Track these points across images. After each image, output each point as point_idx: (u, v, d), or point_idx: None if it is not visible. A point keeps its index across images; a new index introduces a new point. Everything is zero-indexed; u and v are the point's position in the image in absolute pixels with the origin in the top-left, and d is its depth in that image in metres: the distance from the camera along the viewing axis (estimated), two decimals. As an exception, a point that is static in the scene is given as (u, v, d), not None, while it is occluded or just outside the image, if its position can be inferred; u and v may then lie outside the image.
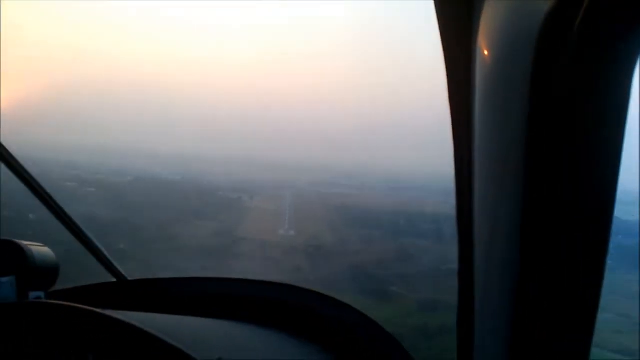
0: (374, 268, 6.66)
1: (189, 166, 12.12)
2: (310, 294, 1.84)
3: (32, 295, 1.62)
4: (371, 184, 11.33)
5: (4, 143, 1.77)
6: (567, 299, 0.78)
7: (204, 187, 10.39)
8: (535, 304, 0.79)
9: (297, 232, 8.70)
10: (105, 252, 2.09)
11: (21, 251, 1.64)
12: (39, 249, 1.69)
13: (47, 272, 1.69)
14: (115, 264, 2.08)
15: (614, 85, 0.66)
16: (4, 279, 1.52)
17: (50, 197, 1.93)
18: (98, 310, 1.36)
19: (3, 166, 1.82)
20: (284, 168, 12.13)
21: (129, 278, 2.06)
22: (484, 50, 0.77)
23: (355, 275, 6.22)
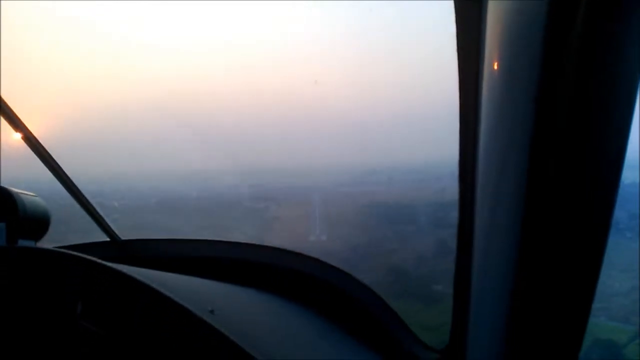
0: (414, 267, 6.12)
1: (214, 182, 11.90)
2: (300, 257, 1.82)
3: (22, 243, 1.56)
4: (398, 177, 10.85)
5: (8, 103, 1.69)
6: (562, 294, 0.81)
7: (230, 201, 10.08)
8: (530, 298, 0.82)
9: (328, 236, 8.21)
10: (100, 212, 2.06)
11: (12, 199, 1.57)
12: (31, 199, 1.62)
13: (37, 222, 1.62)
14: (110, 224, 2.06)
15: (619, 84, 0.67)
16: None
17: (49, 154, 1.90)
18: (88, 257, 1.28)
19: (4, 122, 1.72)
20: (308, 172, 11.78)
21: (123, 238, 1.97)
22: (493, 47, 0.79)
23: (396, 277, 5.70)
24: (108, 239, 2.09)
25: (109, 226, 2.10)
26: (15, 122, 1.85)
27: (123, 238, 2.15)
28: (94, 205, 2.09)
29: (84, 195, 2.07)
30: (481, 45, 0.84)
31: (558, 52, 0.68)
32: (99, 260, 1.32)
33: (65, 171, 2.04)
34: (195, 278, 1.72)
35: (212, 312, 1.31)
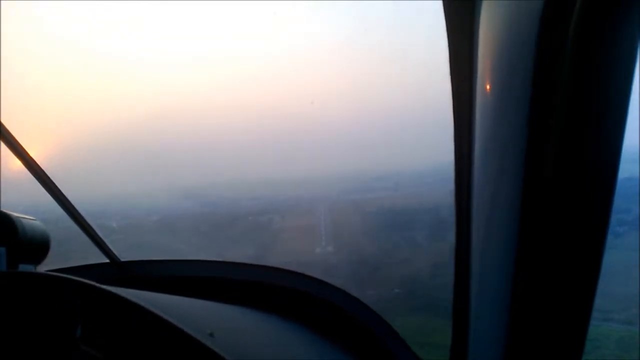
0: (430, 276, 5.53)
1: (218, 196, 11.53)
2: (299, 277, 1.80)
3: (22, 268, 1.57)
4: (405, 182, 10.42)
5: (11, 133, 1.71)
6: (562, 298, 0.74)
7: (234, 215, 9.64)
8: (530, 308, 0.76)
9: (335, 247, 7.64)
10: (99, 233, 2.02)
11: (12, 223, 1.57)
12: (31, 223, 1.63)
13: (37, 246, 1.63)
14: (109, 245, 2.01)
15: (613, 85, 0.63)
16: None
17: (48, 177, 1.86)
18: (87, 281, 1.31)
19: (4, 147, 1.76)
20: (313, 182, 11.39)
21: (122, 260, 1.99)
22: (486, 48, 0.76)
23: (411, 291, 5.12)
24: (108, 260, 2.08)
25: (108, 247, 2.10)
26: (14, 145, 1.86)
27: (123, 259, 2.13)
28: (93, 226, 2.09)
29: (82, 217, 2.04)
30: (474, 54, 0.81)
31: (551, 61, 0.66)
32: (98, 285, 1.34)
33: (63, 192, 2.02)
34: (195, 300, 1.71)
35: (211, 335, 1.29)
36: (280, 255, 7.50)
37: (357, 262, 6.53)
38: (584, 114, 0.67)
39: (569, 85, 0.66)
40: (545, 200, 0.73)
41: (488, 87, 0.81)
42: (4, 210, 1.61)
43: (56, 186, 1.99)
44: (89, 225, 2.07)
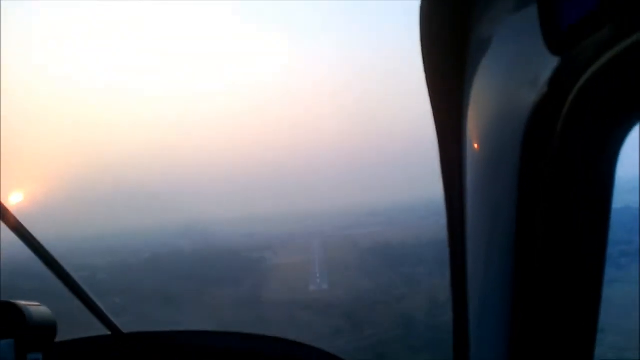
0: (428, 315, 5.17)
1: (210, 233, 11.29)
2: (302, 347, 1.79)
3: (31, 357, 1.57)
4: (398, 217, 10.27)
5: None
6: (565, 319, 0.70)
7: (226, 252, 9.34)
8: (530, 325, 0.72)
9: (330, 285, 7.30)
10: (101, 306, 1.96)
11: (20, 313, 1.57)
12: (37, 309, 1.62)
13: (45, 333, 1.64)
14: (111, 317, 1.96)
15: (597, 174, 0.65)
16: (3, 343, 1.53)
17: (48, 253, 1.80)
18: None
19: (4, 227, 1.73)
20: (307, 217, 11.21)
21: (125, 331, 1.98)
22: (473, 142, 0.75)
23: (408, 329, 4.77)
24: (109, 333, 1.96)
25: (110, 320, 1.97)
26: (13, 224, 1.77)
27: (126, 331, 2.01)
28: (94, 299, 1.96)
29: (84, 291, 1.93)
30: (463, 134, 0.77)
31: (540, 147, 0.64)
32: None
33: (63, 266, 1.89)
34: None
35: None
36: (273, 294, 7.14)
37: (353, 300, 6.19)
38: (572, 174, 0.67)
39: (556, 177, 0.66)
40: (539, 253, 0.71)
41: (477, 146, 0.79)
42: (11, 301, 1.62)
43: (58, 262, 1.92)
44: (89, 297, 1.97)
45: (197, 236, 11.03)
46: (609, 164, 0.65)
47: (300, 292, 7.05)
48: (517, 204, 0.70)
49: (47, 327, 1.67)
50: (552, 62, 0.62)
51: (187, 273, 8.23)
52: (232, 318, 6.01)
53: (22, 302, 1.63)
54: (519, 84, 0.71)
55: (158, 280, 7.70)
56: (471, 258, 0.83)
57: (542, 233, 0.70)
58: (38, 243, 1.83)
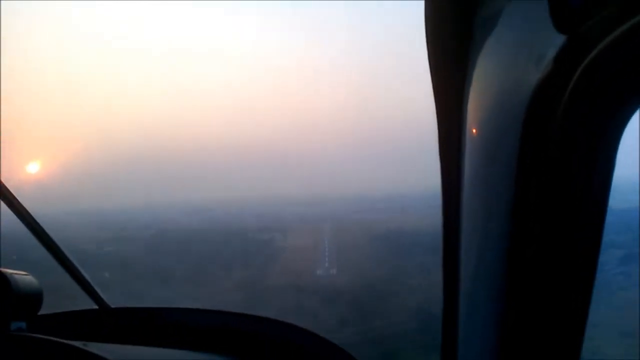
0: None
1: (219, 212, 10.97)
2: (291, 328, 1.74)
3: (14, 325, 1.51)
4: (411, 205, 9.84)
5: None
6: (555, 315, 0.73)
7: (233, 232, 8.97)
8: (521, 322, 0.74)
9: (339, 270, 6.85)
10: (89, 279, 1.92)
11: (5, 280, 1.51)
12: (23, 278, 1.58)
13: (30, 302, 1.58)
14: (99, 291, 1.93)
15: (600, 153, 0.65)
16: None
17: (38, 224, 1.82)
18: (78, 344, 1.33)
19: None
20: (320, 201, 10.81)
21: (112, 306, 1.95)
22: (475, 110, 0.78)
23: (424, 325, 4.27)
24: (97, 307, 1.89)
25: (97, 294, 1.92)
26: (6, 198, 1.73)
27: (113, 305, 1.92)
28: (82, 272, 1.92)
29: (72, 263, 1.90)
30: (463, 112, 0.79)
31: (542, 124, 0.64)
32: (84, 347, 1.28)
33: (54, 239, 1.86)
34: (184, 352, 1.59)
35: None
36: (279, 277, 6.73)
37: (363, 289, 5.73)
38: (570, 183, 0.66)
39: (558, 154, 0.65)
40: (534, 251, 0.71)
41: (475, 131, 0.79)
42: None
43: (46, 233, 1.91)
44: (78, 271, 1.97)
45: (204, 214, 10.68)
46: (611, 146, 0.63)
47: (307, 276, 6.61)
48: (515, 187, 0.70)
49: (33, 297, 1.63)
50: (557, 41, 0.61)
51: (191, 251, 7.87)
52: (234, 300, 5.62)
53: (7, 270, 1.58)
54: (523, 63, 0.69)
55: (160, 258, 7.35)
56: (465, 247, 0.83)
57: (539, 216, 0.69)
58: (27, 212, 1.83)
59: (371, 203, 10.60)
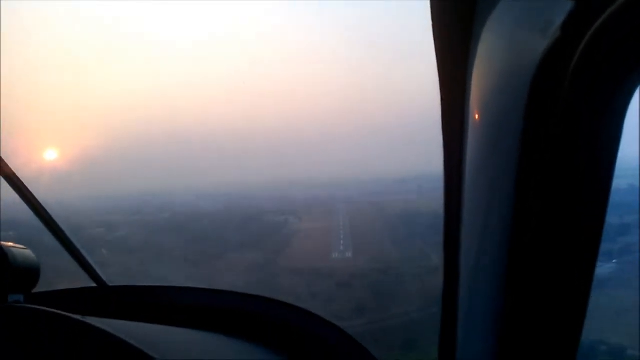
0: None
1: (234, 196, 10.86)
2: (290, 308, 1.76)
3: (11, 298, 1.56)
4: (428, 186, 9.54)
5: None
6: (555, 305, 0.74)
7: (247, 214, 8.83)
8: (521, 310, 0.76)
9: (354, 253, 6.64)
10: (88, 258, 1.99)
11: (2, 253, 1.57)
12: (21, 252, 1.65)
13: (27, 275, 1.64)
14: (97, 269, 1.99)
15: (605, 126, 0.64)
16: None
17: (39, 202, 1.85)
18: (76, 316, 1.30)
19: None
20: (335, 183, 10.60)
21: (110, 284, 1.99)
22: (479, 82, 0.76)
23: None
24: (95, 285, 1.92)
25: (96, 272, 1.93)
26: (5, 172, 1.76)
27: (111, 283, 1.97)
28: (81, 250, 1.93)
29: (70, 241, 1.91)
30: (468, 78, 0.78)
31: (548, 91, 0.63)
32: (84, 319, 1.29)
33: (52, 216, 1.88)
34: (182, 329, 1.62)
35: None
36: (293, 260, 6.57)
37: (379, 272, 5.50)
38: (575, 153, 0.65)
39: (562, 122, 0.64)
40: (534, 238, 0.71)
41: (477, 116, 0.78)
42: None
43: (46, 210, 1.92)
44: (77, 249, 2.01)
45: (220, 198, 10.57)
46: (617, 116, 0.62)
47: (322, 259, 6.41)
48: (518, 167, 0.68)
49: (30, 270, 1.64)
50: (565, 7, 0.59)
51: (206, 234, 7.74)
52: (249, 283, 5.46)
53: (5, 243, 1.60)
54: (529, 33, 0.67)
55: (174, 241, 7.24)
56: (466, 229, 0.84)
57: (541, 195, 0.67)
58: (28, 190, 1.80)
59: (386, 185, 10.34)
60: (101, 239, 6.96)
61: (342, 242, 7.29)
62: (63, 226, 1.96)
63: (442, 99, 0.82)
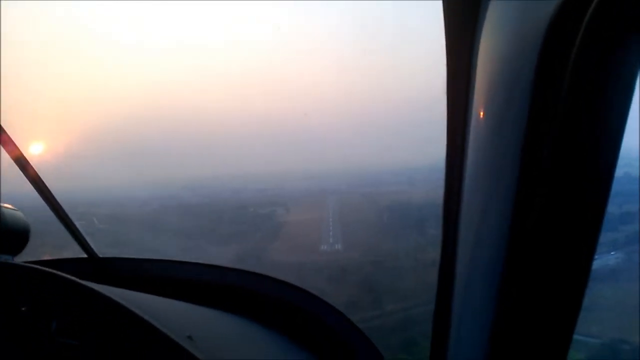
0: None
1: (222, 187, 10.59)
2: (280, 284, 1.74)
3: (1, 257, 1.51)
4: (419, 178, 9.35)
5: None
6: (550, 303, 0.73)
7: (234, 206, 8.57)
8: (517, 308, 0.74)
9: (344, 245, 6.38)
10: (80, 229, 1.96)
11: None
12: (12, 212, 1.60)
13: (17, 236, 1.59)
14: (89, 241, 1.96)
15: (616, 89, 0.63)
16: None
17: (33, 169, 1.83)
18: (64, 275, 1.29)
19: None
20: (324, 175, 10.41)
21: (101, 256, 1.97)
22: (487, 48, 0.74)
23: None
24: (86, 256, 1.93)
25: (87, 242, 1.94)
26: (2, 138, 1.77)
27: (101, 255, 1.99)
28: (73, 220, 1.94)
29: (63, 210, 1.91)
30: (475, 43, 0.77)
31: (557, 55, 0.62)
32: (76, 279, 1.26)
33: (48, 185, 1.89)
34: (173, 301, 1.61)
35: (190, 337, 1.19)
36: (281, 253, 6.31)
37: (372, 265, 5.25)
38: (584, 121, 0.64)
39: (571, 91, 0.63)
40: (539, 204, 0.69)
41: (487, 90, 0.77)
42: None
43: (40, 178, 1.87)
44: (69, 219, 1.96)
45: (204, 190, 10.30)
46: (620, 117, 0.60)
47: (310, 251, 6.15)
48: (523, 149, 0.66)
49: (20, 231, 1.60)
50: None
51: (191, 226, 7.48)
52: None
53: None
54: (533, 25, 0.64)
55: (158, 234, 6.95)
56: (465, 215, 0.79)
57: (546, 176, 0.65)
58: (22, 155, 1.74)
59: (377, 176, 10.19)
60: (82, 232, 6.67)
61: (331, 233, 7.07)
62: (55, 194, 1.91)
63: (448, 90, 0.80)
